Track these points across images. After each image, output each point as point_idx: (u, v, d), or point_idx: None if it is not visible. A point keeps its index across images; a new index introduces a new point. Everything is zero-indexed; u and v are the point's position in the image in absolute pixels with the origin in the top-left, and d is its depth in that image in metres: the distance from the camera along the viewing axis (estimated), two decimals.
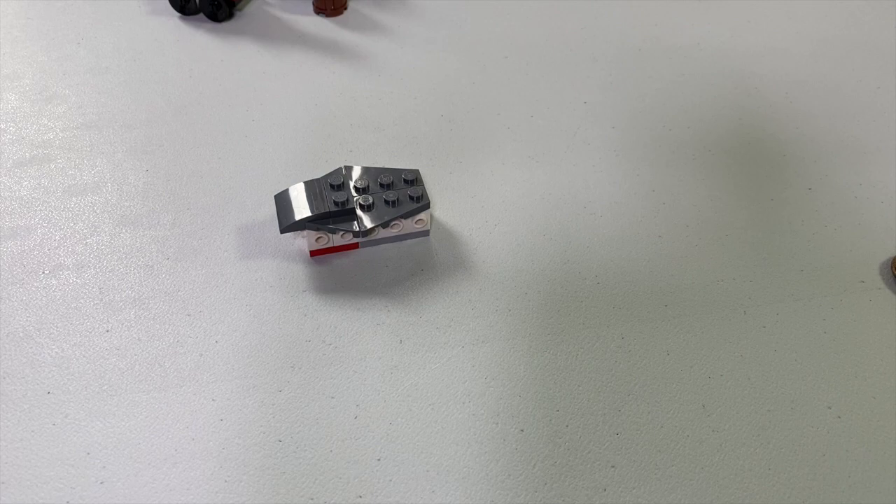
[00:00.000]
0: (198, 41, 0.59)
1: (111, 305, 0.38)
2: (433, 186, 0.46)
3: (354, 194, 0.40)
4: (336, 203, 0.39)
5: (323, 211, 0.38)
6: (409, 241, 0.42)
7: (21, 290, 0.39)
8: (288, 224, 0.38)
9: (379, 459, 0.32)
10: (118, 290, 0.39)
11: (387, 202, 0.40)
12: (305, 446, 0.33)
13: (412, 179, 0.40)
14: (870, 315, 0.39)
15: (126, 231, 0.42)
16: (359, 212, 0.39)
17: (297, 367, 0.36)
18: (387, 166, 0.47)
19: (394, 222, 0.40)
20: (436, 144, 0.49)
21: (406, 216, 0.40)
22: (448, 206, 0.45)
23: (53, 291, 0.39)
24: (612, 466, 0.32)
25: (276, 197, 0.40)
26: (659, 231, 0.43)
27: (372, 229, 0.40)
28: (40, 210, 0.43)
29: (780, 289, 0.40)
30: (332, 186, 0.40)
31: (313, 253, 0.41)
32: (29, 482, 0.31)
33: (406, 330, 0.37)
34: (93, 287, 0.39)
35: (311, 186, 0.40)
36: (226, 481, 0.31)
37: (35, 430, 0.33)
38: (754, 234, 0.43)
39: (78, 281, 0.39)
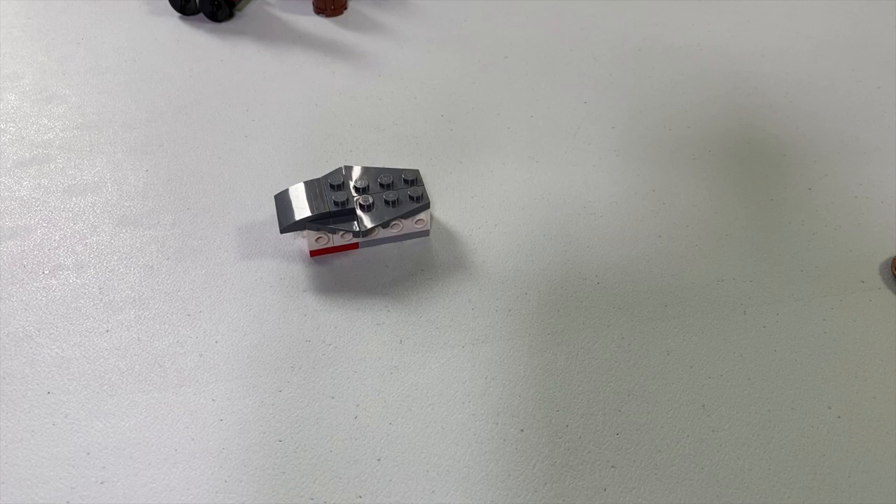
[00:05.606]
0: (198, 41, 0.59)
1: (111, 305, 0.38)
2: (433, 186, 0.46)
3: (354, 194, 0.40)
4: (336, 203, 0.39)
5: (323, 211, 0.38)
6: (409, 241, 0.42)
7: (21, 290, 0.39)
8: (288, 224, 0.38)
9: (379, 459, 0.32)
10: (118, 290, 0.39)
11: (387, 202, 0.40)
12: (305, 446, 0.33)
13: (412, 179, 0.40)
14: (870, 315, 0.39)
15: (126, 231, 0.42)
16: (359, 212, 0.39)
17: (297, 367, 0.36)
18: (387, 166, 0.47)
19: (394, 222, 0.40)
20: (436, 144, 0.49)
21: (406, 216, 0.40)
22: (448, 206, 0.45)
23: (53, 291, 0.39)
24: (612, 466, 0.32)
25: (276, 197, 0.40)
26: (659, 231, 0.43)
27: (372, 229, 0.40)
28: (40, 210, 0.43)
29: (780, 289, 0.40)
30: (332, 186, 0.40)
31: (313, 253, 0.41)
32: (29, 482, 0.31)
33: (406, 330, 0.37)
34: (93, 287, 0.39)
35: (311, 186, 0.40)
36: (226, 481, 0.31)
37: (35, 430, 0.33)
38: (754, 234, 0.43)
39: (78, 281, 0.39)
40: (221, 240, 0.42)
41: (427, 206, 0.40)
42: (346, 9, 0.64)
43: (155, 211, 0.44)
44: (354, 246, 0.41)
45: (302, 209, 0.39)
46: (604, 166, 0.48)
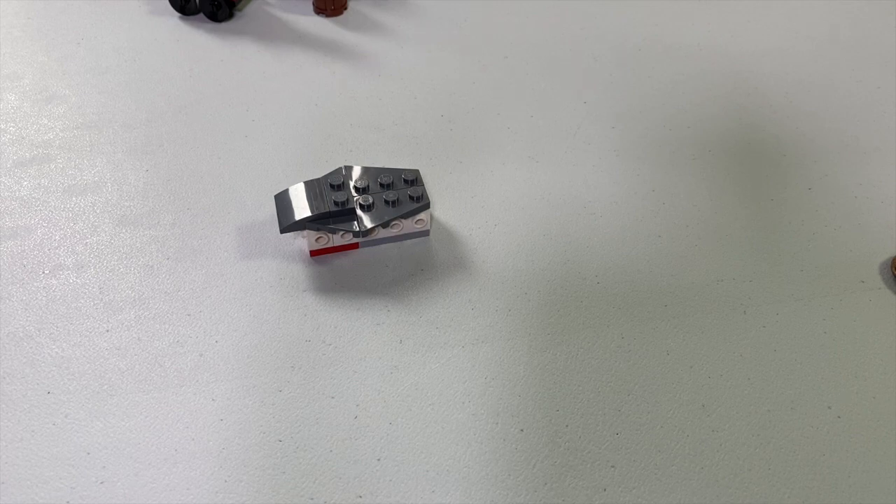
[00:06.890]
0: (198, 41, 0.59)
1: (111, 305, 0.38)
2: (433, 186, 0.46)
3: (354, 194, 0.40)
4: (336, 203, 0.39)
5: (323, 211, 0.38)
6: (409, 241, 0.42)
7: (21, 290, 0.39)
8: (288, 224, 0.38)
9: (379, 459, 0.32)
10: (118, 290, 0.39)
11: (387, 202, 0.40)
12: (305, 446, 0.33)
13: (412, 179, 0.40)
14: (870, 315, 0.39)
15: (126, 231, 0.42)
16: (359, 212, 0.39)
17: (297, 367, 0.36)
18: (387, 166, 0.47)
19: (394, 222, 0.40)
20: (436, 144, 0.49)
21: (406, 216, 0.40)
22: (448, 206, 0.45)
23: (53, 291, 0.39)
24: (612, 466, 0.32)
25: (276, 197, 0.40)
26: (659, 231, 0.43)
27: (372, 229, 0.40)
28: (40, 210, 0.43)
29: (780, 289, 0.40)
30: (332, 186, 0.40)
31: (313, 253, 0.41)
32: (29, 482, 0.31)
33: (406, 330, 0.37)
34: (93, 287, 0.39)
35: (311, 186, 0.40)
36: (226, 481, 0.31)
37: (35, 430, 0.33)
38: (754, 234, 0.43)
39: (78, 281, 0.39)
40: (221, 240, 0.42)
41: (427, 206, 0.40)
42: (346, 9, 0.64)
43: (155, 211, 0.44)
44: (354, 246, 0.41)
45: (302, 209, 0.39)
46: (604, 166, 0.48)
